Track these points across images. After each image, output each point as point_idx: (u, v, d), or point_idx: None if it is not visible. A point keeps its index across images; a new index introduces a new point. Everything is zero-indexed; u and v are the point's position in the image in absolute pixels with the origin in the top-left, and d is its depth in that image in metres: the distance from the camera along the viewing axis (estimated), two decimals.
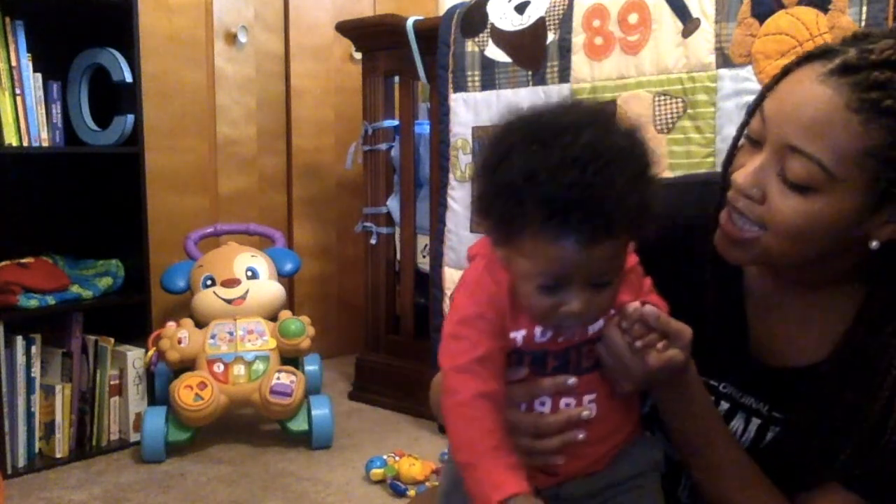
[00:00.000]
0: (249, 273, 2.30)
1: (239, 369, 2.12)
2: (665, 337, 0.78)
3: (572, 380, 0.79)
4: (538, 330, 0.78)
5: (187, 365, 2.12)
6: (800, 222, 0.75)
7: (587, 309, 0.74)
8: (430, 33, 2.26)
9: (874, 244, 0.77)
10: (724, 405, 0.92)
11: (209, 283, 2.27)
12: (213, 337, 2.15)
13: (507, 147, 0.72)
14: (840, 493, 0.85)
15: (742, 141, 0.83)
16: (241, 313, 2.21)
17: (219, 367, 2.11)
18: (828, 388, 0.83)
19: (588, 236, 0.69)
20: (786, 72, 0.78)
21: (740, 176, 0.79)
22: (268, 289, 2.31)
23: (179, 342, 2.11)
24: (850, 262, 0.82)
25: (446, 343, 0.79)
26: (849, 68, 0.72)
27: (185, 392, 2.04)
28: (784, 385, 0.88)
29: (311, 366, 2.34)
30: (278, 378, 2.10)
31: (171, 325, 2.16)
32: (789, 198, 0.75)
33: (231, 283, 2.26)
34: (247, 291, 2.25)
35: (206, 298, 2.24)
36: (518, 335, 0.78)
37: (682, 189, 0.95)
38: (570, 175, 0.68)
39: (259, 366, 2.14)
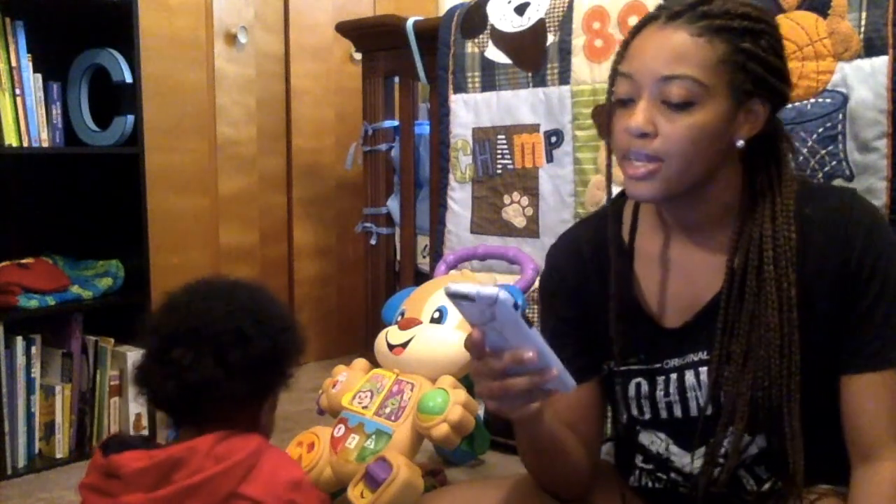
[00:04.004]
0: (437, 314, 1.69)
1: (352, 440, 1.55)
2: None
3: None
4: None
5: (334, 413, 1.69)
6: (690, 135, 0.91)
7: None
8: (430, 34, 2.26)
9: (739, 143, 0.95)
10: (673, 375, 1.02)
11: (399, 318, 1.76)
12: (362, 389, 1.66)
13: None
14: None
15: (614, 108, 0.99)
16: (402, 365, 1.65)
17: (339, 430, 1.59)
18: (733, 302, 0.97)
19: None
20: (627, 42, 0.97)
21: (632, 122, 0.93)
22: (437, 339, 1.65)
23: (334, 386, 1.69)
24: (725, 183, 0.98)
25: None
26: (680, 13, 0.93)
27: (294, 449, 1.61)
28: (697, 329, 1.01)
29: None
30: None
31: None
32: (676, 119, 0.92)
33: (408, 323, 1.70)
34: (410, 339, 1.66)
35: (380, 337, 1.75)
36: None
37: (579, 225, 1.17)
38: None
39: (372, 443, 1.53)
